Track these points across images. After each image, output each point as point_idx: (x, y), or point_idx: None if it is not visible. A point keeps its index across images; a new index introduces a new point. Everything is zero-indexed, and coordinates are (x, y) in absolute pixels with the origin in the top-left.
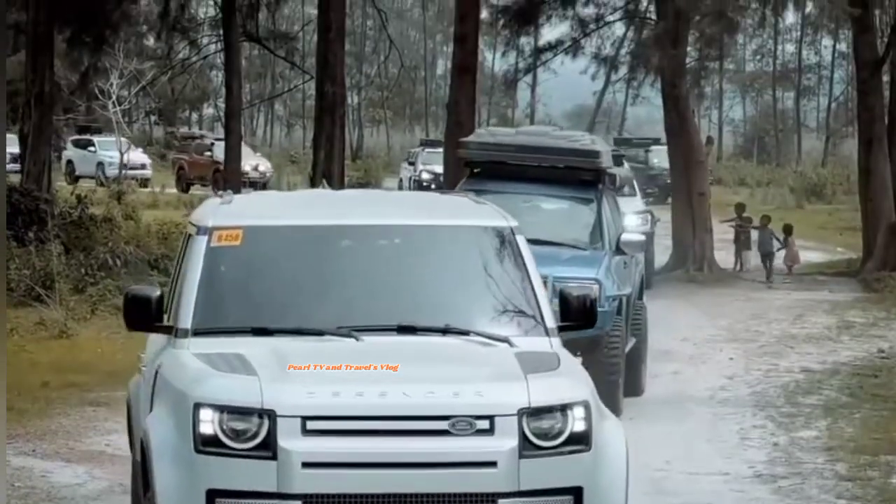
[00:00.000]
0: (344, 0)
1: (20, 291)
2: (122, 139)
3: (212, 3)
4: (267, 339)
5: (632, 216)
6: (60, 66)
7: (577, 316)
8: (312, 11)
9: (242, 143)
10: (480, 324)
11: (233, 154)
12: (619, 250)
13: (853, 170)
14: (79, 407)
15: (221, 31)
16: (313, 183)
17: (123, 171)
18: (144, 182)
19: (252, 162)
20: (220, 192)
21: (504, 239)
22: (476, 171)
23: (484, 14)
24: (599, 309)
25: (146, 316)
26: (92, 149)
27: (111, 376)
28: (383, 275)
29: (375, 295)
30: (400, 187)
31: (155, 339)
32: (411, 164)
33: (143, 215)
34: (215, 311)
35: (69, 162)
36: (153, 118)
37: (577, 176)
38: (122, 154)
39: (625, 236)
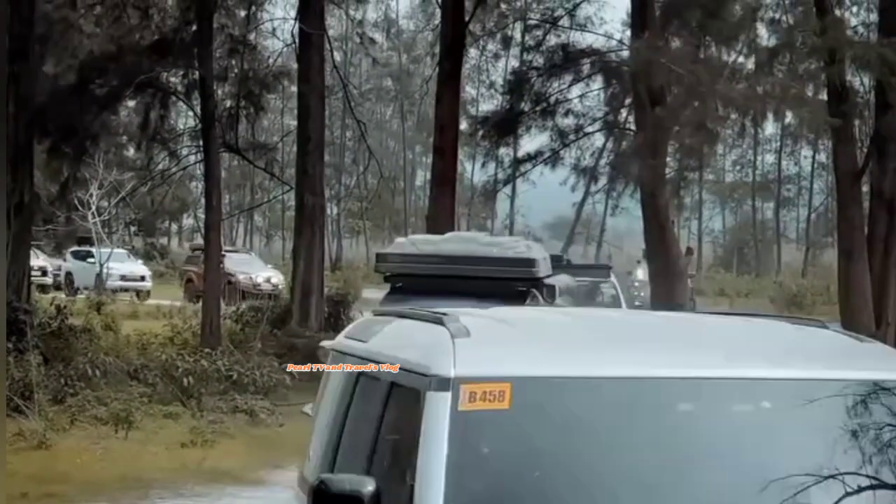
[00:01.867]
0: (323, 111)
1: None
2: (120, 250)
3: (191, 114)
4: None
5: None
6: (40, 176)
7: None
8: (292, 123)
9: (253, 255)
10: None
11: (212, 264)
12: None
13: (833, 280)
14: None
15: (201, 142)
16: (293, 294)
17: (121, 283)
18: (144, 294)
19: (264, 274)
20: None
21: None
22: (398, 285)
23: (463, 125)
24: None
25: None
26: (91, 260)
27: (90, 486)
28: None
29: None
30: None
31: None
32: None
33: (122, 326)
34: None
35: (68, 273)
36: (133, 229)
37: (510, 287)
38: (101, 266)
39: None
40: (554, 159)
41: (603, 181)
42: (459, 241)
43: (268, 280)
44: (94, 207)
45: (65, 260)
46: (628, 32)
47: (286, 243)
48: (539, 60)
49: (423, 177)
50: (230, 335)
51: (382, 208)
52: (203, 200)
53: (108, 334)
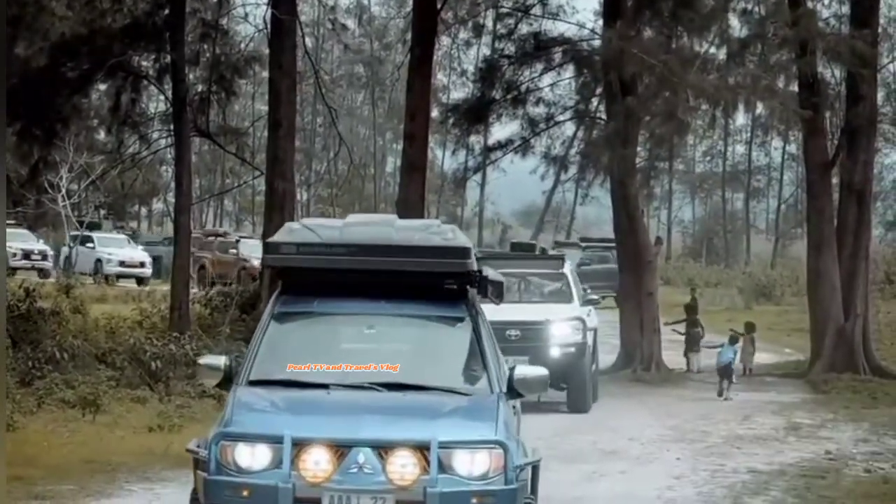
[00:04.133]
0: (294, 97)
1: None
2: (121, 235)
3: (163, 98)
4: None
5: (560, 324)
6: (10, 159)
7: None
8: (263, 108)
9: (254, 238)
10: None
11: (182, 248)
12: (512, 391)
13: (802, 271)
14: (24, 501)
15: (172, 126)
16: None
17: (120, 269)
18: (142, 280)
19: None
20: None
21: None
22: (289, 282)
23: (434, 112)
24: (507, 486)
25: None
26: (90, 245)
27: (57, 470)
28: None
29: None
30: None
31: None
32: None
33: (91, 309)
34: None
35: (67, 258)
36: (102, 212)
37: (438, 284)
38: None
39: (520, 371)
40: (524, 147)
41: (573, 170)
42: (370, 226)
43: None
44: (64, 190)
45: (65, 244)
46: (600, 22)
47: (256, 228)
48: (511, 49)
49: (393, 163)
50: (199, 320)
51: (352, 194)
52: (173, 184)
53: (76, 317)
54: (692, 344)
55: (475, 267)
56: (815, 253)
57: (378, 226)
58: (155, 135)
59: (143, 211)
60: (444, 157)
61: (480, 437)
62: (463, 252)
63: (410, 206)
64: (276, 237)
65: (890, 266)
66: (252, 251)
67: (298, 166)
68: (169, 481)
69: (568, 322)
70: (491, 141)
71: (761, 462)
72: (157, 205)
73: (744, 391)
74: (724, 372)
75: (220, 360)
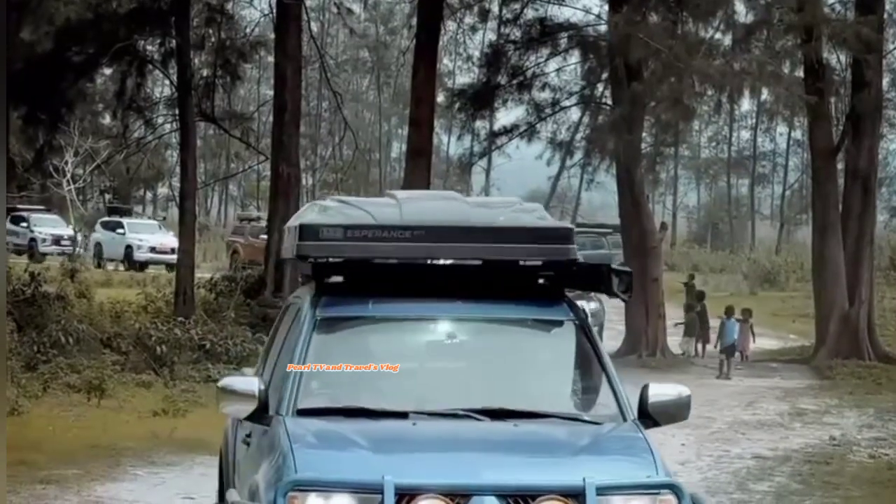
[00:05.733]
0: (299, 82)
1: None
2: (151, 221)
3: (167, 82)
4: None
5: None
6: (15, 143)
7: None
8: (268, 92)
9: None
10: None
11: (187, 233)
12: (646, 416)
13: (807, 257)
14: (29, 485)
15: (177, 111)
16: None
17: (151, 256)
18: (173, 267)
19: None
20: None
21: None
22: (331, 280)
23: (440, 97)
24: None
25: None
26: (121, 231)
27: (62, 454)
28: None
29: None
30: None
31: None
32: None
33: (96, 294)
34: None
35: (97, 244)
36: (107, 197)
37: (527, 277)
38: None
39: (656, 391)
40: (530, 133)
41: (579, 155)
42: (436, 202)
43: None
44: (69, 175)
45: (93, 230)
46: (606, 7)
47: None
48: (516, 34)
49: (398, 149)
50: (204, 304)
51: (357, 180)
52: (178, 169)
53: (81, 302)
54: (690, 330)
55: (576, 256)
56: (820, 239)
57: (446, 201)
58: (160, 119)
59: (148, 195)
60: (449, 143)
61: (646, 479)
62: (566, 235)
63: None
64: (310, 218)
65: (895, 252)
66: None
67: (304, 151)
68: (174, 465)
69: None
70: (496, 126)
71: (766, 448)
72: (162, 189)
73: (748, 377)
74: (730, 351)
75: (253, 385)
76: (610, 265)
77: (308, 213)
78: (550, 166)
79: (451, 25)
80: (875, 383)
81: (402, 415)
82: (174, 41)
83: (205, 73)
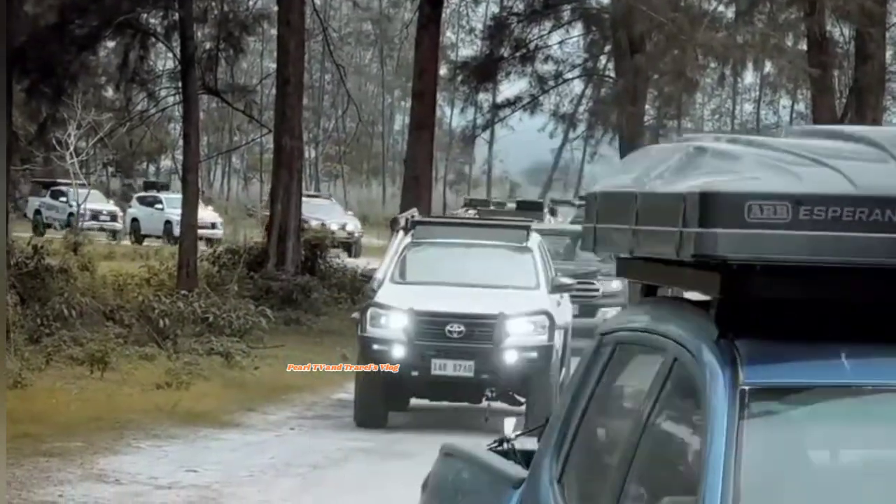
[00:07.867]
0: (302, 54)
1: None
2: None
3: (171, 55)
4: None
5: (519, 320)
6: (19, 116)
7: None
8: (271, 65)
9: (333, 200)
10: None
11: (190, 207)
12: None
13: None
14: (32, 457)
15: (180, 84)
16: (269, 236)
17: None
18: (212, 242)
19: (339, 220)
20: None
21: None
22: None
23: (443, 70)
24: None
25: None
26: (159, 206)
27: (65, 427)
28: None
29: None
30: None
31: None
32: None
33: (99, 266)
34: None
35: (134, 220)
36: (110, 170)
37: None
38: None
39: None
40: (533, 105)
41: (582, 128)
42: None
43: (342, 227)
44: (72, 148)
45: (130, 205)
46: None
47: (264, 186)
48: (519, 6)
49: (401, 121)
50: (207, 277)
51: (360, 152)
52: (181, 142)
53: (84, 275)
54: None
55: None
56: None
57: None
58: (163, 92)
59: (151, 168)
60: (452, 115)
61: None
62: None
63: (418, 163)
64: (721, 182)
65: None
66: (312, 212)
67: (307, 124)
68: (176, 438)
69: (529, 317)
70: (499, 98)
71: None
72: (165, 162)
73: None
74: None
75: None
76: None
77: (690, 169)
78: (553, 139)
79: None
80: None
81: None
82: (177, 14)
83: (207, 45)
